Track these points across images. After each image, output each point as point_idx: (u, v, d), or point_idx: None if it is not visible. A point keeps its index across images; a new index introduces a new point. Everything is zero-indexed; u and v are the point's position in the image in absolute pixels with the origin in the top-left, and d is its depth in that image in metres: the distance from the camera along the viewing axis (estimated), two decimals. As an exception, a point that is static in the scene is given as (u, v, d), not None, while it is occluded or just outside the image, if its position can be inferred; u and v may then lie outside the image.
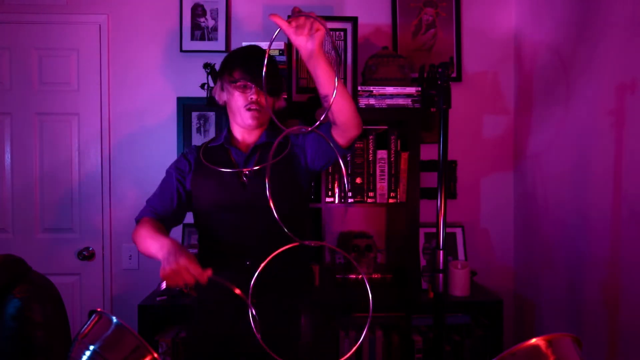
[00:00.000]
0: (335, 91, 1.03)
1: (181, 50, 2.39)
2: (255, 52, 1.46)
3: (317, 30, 1.13)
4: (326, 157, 1.46)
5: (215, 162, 1.44)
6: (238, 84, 1.41)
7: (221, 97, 1.49)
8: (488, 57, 2.47)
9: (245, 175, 1.44)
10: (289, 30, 1.11)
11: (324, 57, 1.20)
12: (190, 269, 1.16)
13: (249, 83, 1.40)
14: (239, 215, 1.43)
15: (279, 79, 1.51)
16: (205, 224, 1.50)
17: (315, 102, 2.02)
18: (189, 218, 2.37)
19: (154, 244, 1.29)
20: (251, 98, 1.41)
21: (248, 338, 1.38)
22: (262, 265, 0.94)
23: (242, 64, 1.41)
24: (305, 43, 1.15)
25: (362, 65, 2.26)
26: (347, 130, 1.34)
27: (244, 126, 1.47)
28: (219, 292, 1.44)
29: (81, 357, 0.83)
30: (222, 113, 2.38)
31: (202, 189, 1.47)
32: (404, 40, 2.43)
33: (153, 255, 1.29)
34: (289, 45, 2.05)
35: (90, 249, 2.41)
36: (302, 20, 1.10)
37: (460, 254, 2.34)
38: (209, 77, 2.15)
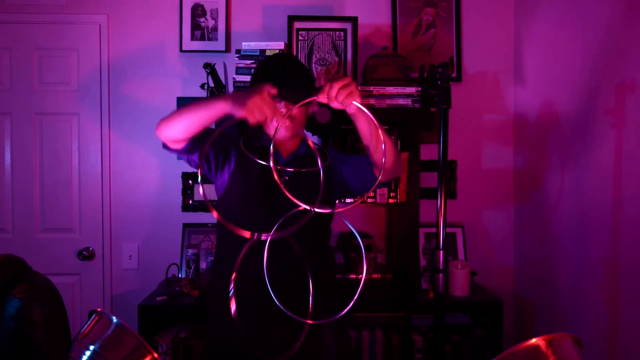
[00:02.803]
0: (383, 146, 1.13)
1: (181, 50, 2.39)
2: (281, 65, 1.45)
3: (350, 102, 1.19)
4: (362, 182, 1.53)
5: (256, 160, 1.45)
6: None
7: None
8: (488, 57, 2.47)
9: (284, 179, 1.46)
10: (322, 99, 1.19)
11: (362, 118, 1.30)
12: (269, 102, 1.13)
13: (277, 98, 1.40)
14: (265, 213, 1.44)
15: (306, 85, 1.49)
16: (230, 216, 1.49)
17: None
18: (188, 218, 2.39)
19: (206, 102, 1.24)
20: (281, 112, 1.41)
21: (268, 348, 1.39)
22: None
23: (268, 79, 1.39)
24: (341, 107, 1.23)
25: (362, 65, 2.26)
26: (386, 173, 1.44)
27: (278, 139, 1.48)
28: (237, 300, 1.44)
29: (81, 357, 0.83)
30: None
31: (243, 170, 1.47)
32: (404, 40, 2.43)
33: (209, 114, 1.24)
34: (289, 46, 2.05)
35: (90, 249, 2.41)
36: (333, 92, 1.16)
37: (460, 254, 2.34)
38: (209, 77, 2.15)
